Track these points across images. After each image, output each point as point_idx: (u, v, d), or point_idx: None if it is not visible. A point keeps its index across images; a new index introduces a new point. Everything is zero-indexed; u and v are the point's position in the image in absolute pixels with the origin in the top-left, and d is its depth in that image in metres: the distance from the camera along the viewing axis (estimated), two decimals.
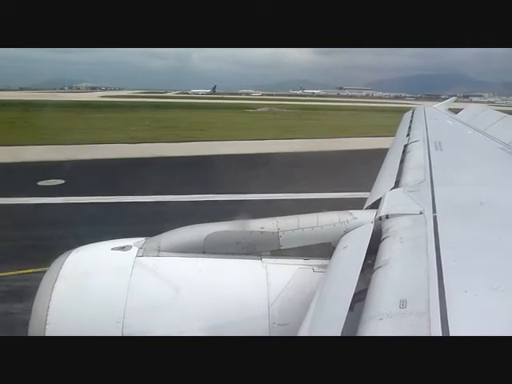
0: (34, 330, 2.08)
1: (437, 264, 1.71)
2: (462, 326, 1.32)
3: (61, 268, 2.25)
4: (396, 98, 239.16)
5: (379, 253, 1.97)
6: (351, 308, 1.61)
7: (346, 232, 2.47)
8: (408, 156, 4.70)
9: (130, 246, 2.41)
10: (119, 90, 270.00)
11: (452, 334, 1.27)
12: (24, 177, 18.28)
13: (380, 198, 2.90)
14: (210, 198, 15.47)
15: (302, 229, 2.50)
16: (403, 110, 12.10)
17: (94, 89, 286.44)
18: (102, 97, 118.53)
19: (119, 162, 22.43)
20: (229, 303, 2.18)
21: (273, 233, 2.47)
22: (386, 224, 2.31)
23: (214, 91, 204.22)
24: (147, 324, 2.09)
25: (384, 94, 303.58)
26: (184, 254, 2.38)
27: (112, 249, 2.39)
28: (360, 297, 1.69)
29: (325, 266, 2.24)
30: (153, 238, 2.51)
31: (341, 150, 26.86)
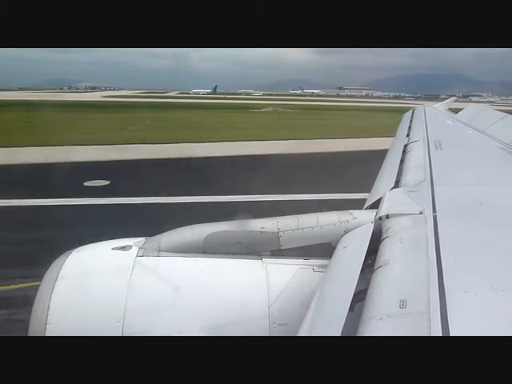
0: (34, 330, 2.08)
1: (437, 264, 1.71)
2: (462, 326, 1.32)
3: (61, 268, 2.25)
4: (395, 97, 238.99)
5: (379, 253, 1.97)
6: (351, 308, 1.61)
7: (346, 232, 2.47)
8: (408, 156, 4.70)
9: (131, 246, 2.41)
10: (118, 89, 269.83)
11: (452, 333, 1.27)
12: (68, 177, 18.26)
13: (380, 198, 2.90)
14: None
15: (302, 229, 2.50)
16: (407, 110, 12.07)
17: (93, 89, 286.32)
18: (104, 97, 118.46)
19: (156, 163, 22.45)
20: (229, 303, 2.18)
21: (273, 233, 2.47)
22: (386, 224, 2.31)
23: (214, 91, 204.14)
24: (147, 324, 2.09)
25: (383, 94, 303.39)
26: (184, 254, 2.38)
27: (112, 249, 2.39)
28: (360, 297, 1.69)
29: (325, 266, 2.24)
30: (153, 237, 2.51)
31: (368, 150, 26.17)
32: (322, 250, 2.45)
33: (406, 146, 5.54)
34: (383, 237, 2.16)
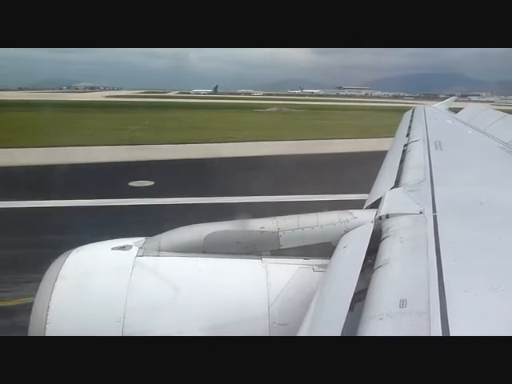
0: (34, 330, 2.08)
1: (437, 264, 1.71)
2: (462, 326, 1.32)
3: (61, 268, 2.25)
4: (394, 97, 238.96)
5: (379, 252, 1.97)
6: (351, 308, 1.61)
7: (346, 232, 2.47)
8: (408, 155, 4.70)
9: (130, 246, 2.41)
10: (117, 89, 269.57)
11: (452, 333, 1.27)
12: (110, 178, 18.25)
13: (380, 198, 2.90)
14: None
15: (302, 228, 2.50)
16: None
17: (92, 88, 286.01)
18: (107, 97, 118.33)
19: (191, 163, 22.32)
20: (229, 303, 2.18)
21: (273, 232, 2.47)
22: (386, 223, 2.31)
23: (215, 91, 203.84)
24: (147, 324, 2.09)
25: (382, 94, 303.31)
26: (184, 254, 2.38)
27: (112, 248, 2.39)
28: (360, 296, 1.69)
29: (325, 266, 2.24)
30: (153, 237, 2.50)
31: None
32: (322, 249, 2.45)
33: (405, 145, 5.54)
34: (383, 236, 2.16)
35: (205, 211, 13.38)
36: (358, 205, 3.20)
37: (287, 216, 2.62)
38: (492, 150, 5.06)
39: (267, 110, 70.54)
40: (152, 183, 17.39)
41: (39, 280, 2.23)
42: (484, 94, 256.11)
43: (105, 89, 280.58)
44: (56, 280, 2.18)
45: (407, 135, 6.65)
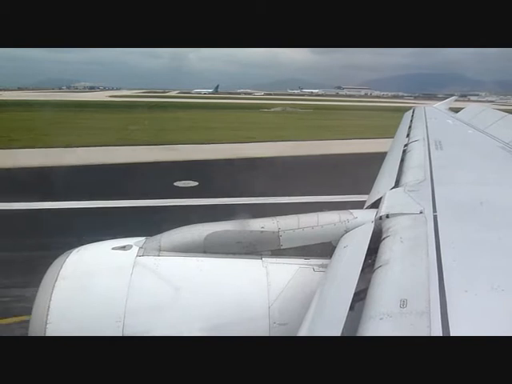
0: (34, 330, 2.08)
1: (437, 263, 1.71)
2: (462, 326, 1.32)
3: (61, 268, 2.25)
4: (394, 97, 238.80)
5: (379, 252, 1.97)
6: (351, 308, 1.61)
7: (346, 231, 2.47)
8: (408, 155, 4.69)
9: (131, 246, 2.41)
10: (117, 89, 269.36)
11: (452, 333, 1.27)
12: (155, 178, 18.15)
13: (380, 198, 2.90)
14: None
15: (303, 228, 2.50)
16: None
17: (92, 88, 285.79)
18: (110, 96, 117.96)
19: (225, 163, 22.15)
20: (229, 303, 2.18)
21: (273, 232, 2.47)
22: (387, 223, 2.31)
23: (216, 91, 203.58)
24: (148, 324, 2.09)
25: (382, 94, 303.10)
26: (184, 254, 2.38)
27: (112, 248, 2.39)
28: (360, 296, 1.69)
29: (325, 266, 2.24)
30: (153, 237, 2.50)
31: None
32: (323, 249, 2.45)
33: (406, 145, 5.54)
34: (383, 236, 2.16)
35: (259, 210, 13.39)
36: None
37: (287, 216, 2.63)
38: (492, 150, 5.06)
39: (272, 109, 70.34)
40: (196, 183, 17.40)
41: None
42: (483, 94, 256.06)
43: (104, 88, 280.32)
44: (56, 280, 2.18)
45: (407, 135, 6.65)
